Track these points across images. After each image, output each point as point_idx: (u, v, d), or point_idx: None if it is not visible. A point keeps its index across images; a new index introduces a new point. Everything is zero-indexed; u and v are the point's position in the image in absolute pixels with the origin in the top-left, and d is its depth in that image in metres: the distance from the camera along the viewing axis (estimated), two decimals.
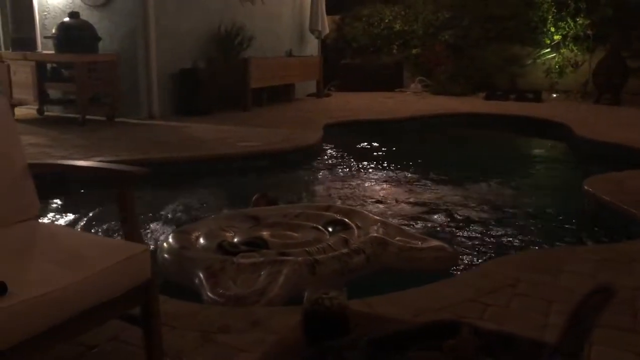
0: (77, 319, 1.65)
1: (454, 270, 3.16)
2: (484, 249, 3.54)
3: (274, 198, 3.95)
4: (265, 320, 2.30)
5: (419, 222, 4.06)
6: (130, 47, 7.52)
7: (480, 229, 3.90)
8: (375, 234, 3.13)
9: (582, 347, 0.87)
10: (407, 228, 3.59)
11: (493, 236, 3.77)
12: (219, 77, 8.26)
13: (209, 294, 2.61)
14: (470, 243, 3.63)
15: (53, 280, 1.61)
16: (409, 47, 12.04)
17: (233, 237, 3.13)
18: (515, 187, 5.12)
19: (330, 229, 3.27)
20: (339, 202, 4.51)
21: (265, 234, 3.19)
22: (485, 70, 11.27)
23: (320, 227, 3.29)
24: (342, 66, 12.10)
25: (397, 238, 3.17)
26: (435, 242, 3.25)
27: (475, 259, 3.38)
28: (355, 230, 3.20)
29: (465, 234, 3.81)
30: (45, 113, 7.63)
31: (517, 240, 3.69)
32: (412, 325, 0.94)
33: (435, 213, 4.27)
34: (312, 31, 10.88)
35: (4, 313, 1.44)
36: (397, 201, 4.63)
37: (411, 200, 4.65)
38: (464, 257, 3.39)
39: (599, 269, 2.84)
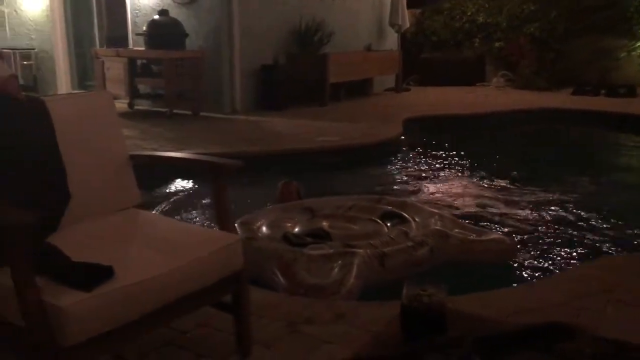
0: (176, 304, 1.73)
1: (531, 268, 3.05)
2: (576, 251, 3.39)
3: (297, 186, 3.96)
4: (350, 313, 2.31)
5: (500, 220, 3.94)
6: (215, 44, 7.75)
7: (570, 229, 3.74)
8: (436, 227, 3.11)
9: None
10: (463, 221, 3.53)
11: (585, 238, 3.60)
12: (298, 72, 8.36)
13: (286, 284, 2.65)
14: (560, 244, 3.49)
15: (156, 265, 1.69)
16: (491, 41, 11.67)
17: (293, 229, 3.17)
18: (607, 187, 4.87)
19: (388, 222, 3.26)
20: (415, 197, 4.48)
21: (324, 225, 3.22)
22: (573, 64, 10.74)
23: (377, 219, 3.29)
24: (422, 60, 11.92)
25: (456, 230, 3.15)
26: (494, 235, 3.28)
27: (566, 261, 3.25)
28: (413, 223, 3.19)
29: (554, 234, 3.66)
30: (135, 107, 8.00)
31: (612, 244, 3.51)
32: (519, 326, 0.91)
33: (519, 211, 4.13)
34: (391, 25, 10.77)
35: (112, 296, 1.53)
36: (477, 197, 4.53)
37: (492, 197, 4.53)
38: (554, 258, 3.27)
39: None
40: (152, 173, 4.41)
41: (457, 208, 4.25)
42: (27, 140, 1.95)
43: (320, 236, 3.04)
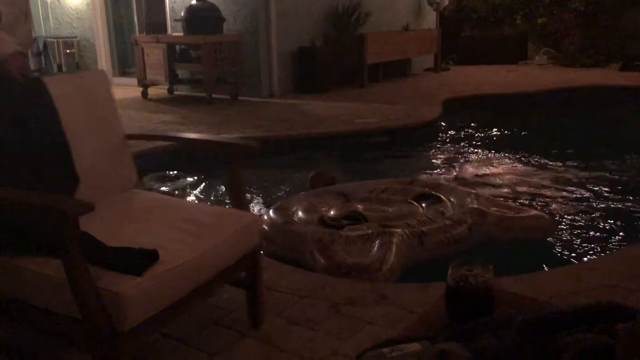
0: (209, 283, 1.77)
1: (589, 252, 2.98)
2: (622, 232, 3.29)
3: (331, 177, 3.93)
4: (392, 294, 2.31)
5: (542, 198, 3.86)
6: (252, 27, 7.76)
7: (615, 209, 3.63)
8: (472, 205, 3.09)
9: None
10: (499, 199, 3.49)
11: (631, 218, 3.48)
12: (336, 54, 8.31)
13: (326, 265, 2.65)
14: (605, 224, 3.39)
15: (192, 247, 1.70)
16: (534, 17, 11.34)
17: (328, 212, 3.17)
18: None
19: (422, 203, 3.24)
20: (455, 177, 4.43)
21: (359, 208, 3.21)
22: (620, 39, 10.33)
23: (411, 201, 3.26)
24: (461, 39, 11.69)
25: (493, 208, 3.10)
26: (532, 211, 3.23)
27: (611, 242, 3.15)
28: (449, 202, 3.17)
29: (598, 214, 3.56)
30: (175, 92, 8.11)
31: None
32: (572, 306, 0.89)
33: (561, 191, 4.03)
34: (430, 3, 10.58)
35: (161, 278, 1.56)
36: (519, 177, 4.44)
37: (536, 176, 4.44)
38: (599, 239, 3.18)
39: None
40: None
41: (499, 187, 4.18)
42: (29, 122, 1.86)
43: (356, 218, 3.04)
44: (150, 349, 1.95)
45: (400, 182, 3.59)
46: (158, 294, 1.55)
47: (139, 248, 1.60)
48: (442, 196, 3.25)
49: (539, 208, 3.57)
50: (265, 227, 3.08)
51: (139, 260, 1.55)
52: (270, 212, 3.21)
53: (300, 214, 3.16)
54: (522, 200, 3.81)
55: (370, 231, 2.81)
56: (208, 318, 2.17)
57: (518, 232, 3.00)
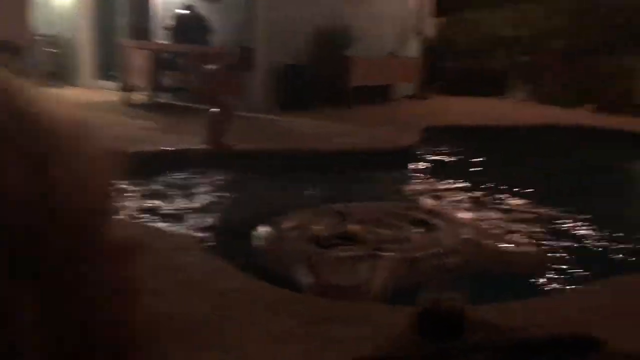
0: None
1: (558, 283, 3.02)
2: (594, 267, 3.34)
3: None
4: (367, 314, 2.31)
5: (520, 234, 3.90)
6: (239, 41, 7.77)
7: (591, 246, 3.70)
8: (467, 236, 3.12)
9: None
10: (494, 231, 3.53)
11: (604, 255, 3.55)
12: (320, 74, 8.37)
13: (312, 284, 2.65)
14: (578, 260, 3.44)
15: None
16: (515, 54, 11.60)
17: (323, 231, 3.18)
18: (633, 207, 4.77)
19: (418, 228, 3.27)
20: (426, 205, 4.47)
21: (354, 229, 3.22)
22: (599, 80, 10.62)
23: (407, 225, 3.29)
24: (444, 69, 11.88)
25: (486, 241, 3.14)
26: (525, 246, 3.32)
27: (584, 276, 3.20)
28: (444, 231, 3.20)
29: (573, 249, 3.62)
30: (158, 100, 8.03)
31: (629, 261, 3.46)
32: (542, 336, 0.90)
33: (539, 227, 4.08)
34: (416, 33, 10.77)
35: None
36: (493, 210, 4.49)
37: (510, 211, 4.49)
38: (571, 273, 3.23)
39: None
40: None
41: (475, 219, 4.21)
42: None
43: (349, 239, 3.06)
44: None
45: (400, 207, 3.64)
46: None
47: None
48: (438, 224, 3.29)
49: (531, 242, 3.60)
50: (259, 242, 3.10)
51: None
52: (265, 227, 3.23)
53: (293, 230, 3.18)
54: (510, 234, 3.82)
55: (360, 253, 2.83)
56: None
57: (510, 265, 3.03)
